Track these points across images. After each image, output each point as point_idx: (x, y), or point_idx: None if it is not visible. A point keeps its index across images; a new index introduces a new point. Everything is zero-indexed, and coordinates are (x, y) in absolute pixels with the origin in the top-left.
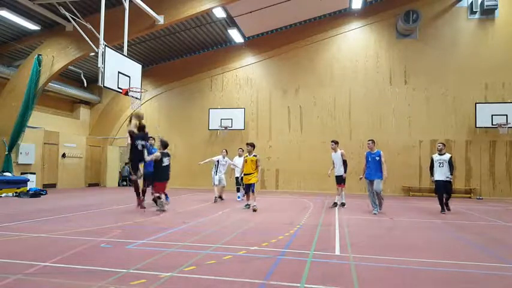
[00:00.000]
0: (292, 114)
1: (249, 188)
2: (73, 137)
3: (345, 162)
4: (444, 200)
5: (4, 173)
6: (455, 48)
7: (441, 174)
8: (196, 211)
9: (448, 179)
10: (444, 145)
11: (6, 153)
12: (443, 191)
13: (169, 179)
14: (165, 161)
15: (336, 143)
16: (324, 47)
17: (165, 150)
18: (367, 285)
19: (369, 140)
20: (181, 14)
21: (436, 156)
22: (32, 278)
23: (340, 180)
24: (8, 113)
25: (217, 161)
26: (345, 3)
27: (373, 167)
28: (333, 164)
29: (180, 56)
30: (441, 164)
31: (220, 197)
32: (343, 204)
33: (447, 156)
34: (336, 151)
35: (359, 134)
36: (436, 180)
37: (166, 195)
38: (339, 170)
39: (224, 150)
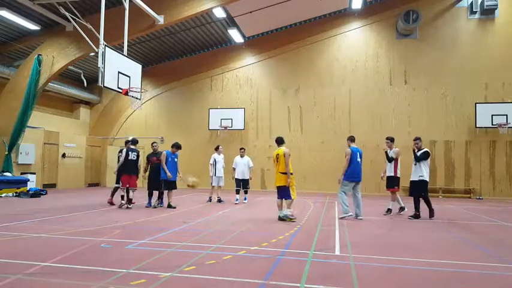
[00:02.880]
0: (292, 114)
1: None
2: (73, 137)
3: (396, 162)
4: (426, 203)
5: (4, 173)
6: (455, 48)
7: (413, 172)
8: (196, 211)
9: (421, 178)
10: (419, 139)
11: (6, 153)
12: (415, 192)
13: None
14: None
15: (392, 140)
16: (324, 47)
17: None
18: (367, 285)
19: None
20: (181, 14)
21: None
22: (32, 278)
23: (393, 183)
24: (8, 113)
25: (214, 160)
26: (345, 3)
27: None
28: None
29: (180, 56)
30: (415, 162)
31: (219, 199)
32: (402, 209)
33: (422, 151)
34: (391, 149)
35: (359, 134)
36: (410, 181)
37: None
38: (391, 171)
39: (219, 146)
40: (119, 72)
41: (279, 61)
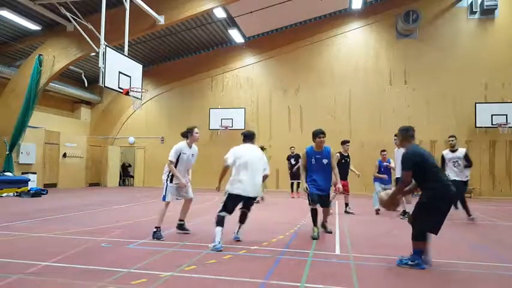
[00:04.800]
0: (293, 114)
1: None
2: (74, 137)
3: None
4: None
5: (5, 173)
6: (455, 48)
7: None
8: (196, 210)
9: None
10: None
11: (7, 153)
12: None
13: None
14: None
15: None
16: (324, 47)
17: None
18: (367, 285)
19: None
20: (182, 14)
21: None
22: (33, 277)
23: None
24: (9, 113)
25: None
26: (345, 3)
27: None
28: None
29: (181, 56)
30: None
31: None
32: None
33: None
34: (399, 147)
35: (359, 134)
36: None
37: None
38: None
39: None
40: (119, 72)
41: (279, 61)
